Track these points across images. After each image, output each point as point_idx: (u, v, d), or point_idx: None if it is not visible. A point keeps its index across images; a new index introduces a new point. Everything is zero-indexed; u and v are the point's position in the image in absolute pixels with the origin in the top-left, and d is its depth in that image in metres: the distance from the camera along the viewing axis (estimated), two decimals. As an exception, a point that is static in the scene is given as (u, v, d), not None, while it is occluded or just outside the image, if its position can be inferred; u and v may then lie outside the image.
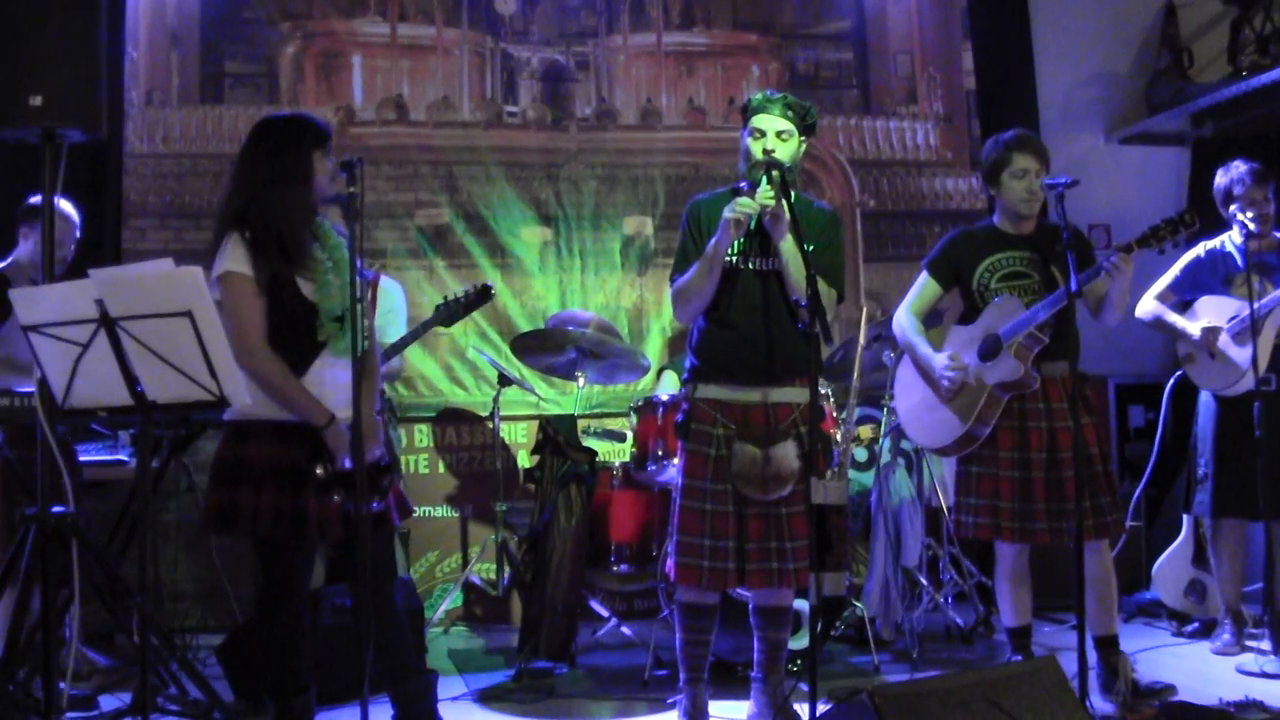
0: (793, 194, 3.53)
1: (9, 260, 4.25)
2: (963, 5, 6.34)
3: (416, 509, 5.45)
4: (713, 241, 3.47)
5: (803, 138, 3.59)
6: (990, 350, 3.88)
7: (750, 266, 3.54)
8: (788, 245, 3.42)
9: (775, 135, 3.52)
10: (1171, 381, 5.17)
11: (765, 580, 3.50)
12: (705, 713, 3.66)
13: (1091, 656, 3.76)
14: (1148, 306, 4.65)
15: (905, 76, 6.31)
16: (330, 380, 3.16)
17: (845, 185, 6.15)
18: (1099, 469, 3.89)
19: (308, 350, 3.14)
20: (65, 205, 4.21)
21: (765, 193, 3.38)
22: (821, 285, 3.47)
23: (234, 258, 3.07)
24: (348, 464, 3.06)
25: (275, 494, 3.08)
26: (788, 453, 3.48)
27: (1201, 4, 6.23)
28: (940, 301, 4.15)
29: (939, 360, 3.97)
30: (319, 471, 3.08)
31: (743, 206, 3.39)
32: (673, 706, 3.84)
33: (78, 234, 4.34)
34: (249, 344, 3.06)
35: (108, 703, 3.84)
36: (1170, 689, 3.83)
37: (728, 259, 3.53)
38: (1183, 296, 4.65)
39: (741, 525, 3.50)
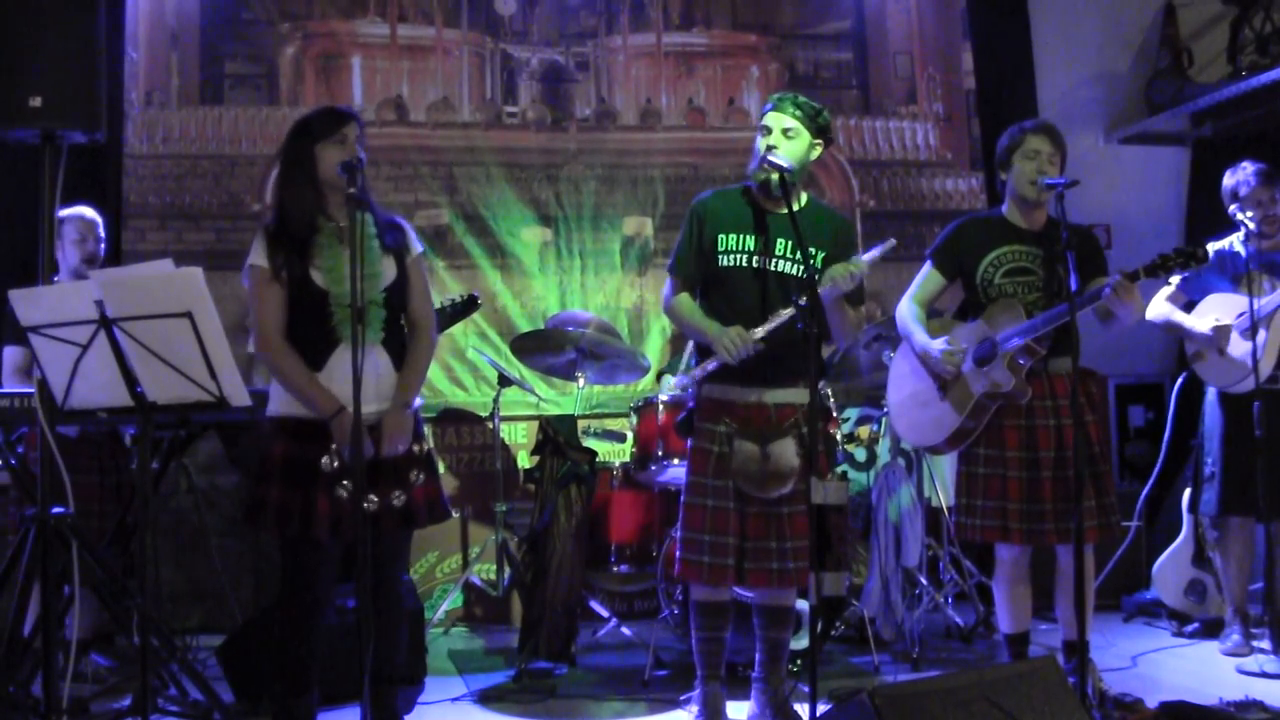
0: (804, 195, 3.55)
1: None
2: (962, 5, 6.34)
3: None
4: (707, 335, 3.49)
5: (816, 140, 3.54)
6: (986, 356, 3.79)
7: (753, 266, 3.53)
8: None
9: (781, 133, 3.50)
10: (1179, 382, 5.16)
11: (764, 580, 3.50)
12: (722, 712, 3.64)
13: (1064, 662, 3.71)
14: (1159, 309, 4.62)
15: (905, 76, 6.31)
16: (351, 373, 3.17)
17: (845, 185, 6.15)
18: (1102, 469, 3.82)
19: (324, 340, 3.18)
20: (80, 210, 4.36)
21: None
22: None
23: (255, 251, 3.21)
24: None
25: (289, 490, 3.14)
26: (786, 450, 3.47)
27: (1201, 4, 6.23)
28: (944, 293, 4.02)
29: (936, 345, 3.84)
30: (324, 464, 3.13)
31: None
32: (683, 705, 3.83)
33: (99, 233, 4.39)
34: (262, 335, 3.18)
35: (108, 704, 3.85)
36: (1139, 702, 3.76)
37: (731, 260, 3.53)
38: (1191, 297, 4.65)
39: (742, 523, 3.50)
